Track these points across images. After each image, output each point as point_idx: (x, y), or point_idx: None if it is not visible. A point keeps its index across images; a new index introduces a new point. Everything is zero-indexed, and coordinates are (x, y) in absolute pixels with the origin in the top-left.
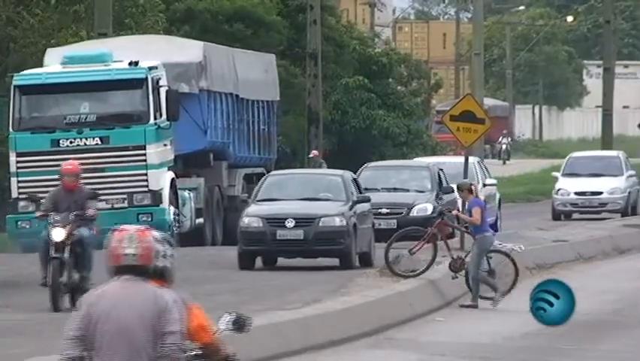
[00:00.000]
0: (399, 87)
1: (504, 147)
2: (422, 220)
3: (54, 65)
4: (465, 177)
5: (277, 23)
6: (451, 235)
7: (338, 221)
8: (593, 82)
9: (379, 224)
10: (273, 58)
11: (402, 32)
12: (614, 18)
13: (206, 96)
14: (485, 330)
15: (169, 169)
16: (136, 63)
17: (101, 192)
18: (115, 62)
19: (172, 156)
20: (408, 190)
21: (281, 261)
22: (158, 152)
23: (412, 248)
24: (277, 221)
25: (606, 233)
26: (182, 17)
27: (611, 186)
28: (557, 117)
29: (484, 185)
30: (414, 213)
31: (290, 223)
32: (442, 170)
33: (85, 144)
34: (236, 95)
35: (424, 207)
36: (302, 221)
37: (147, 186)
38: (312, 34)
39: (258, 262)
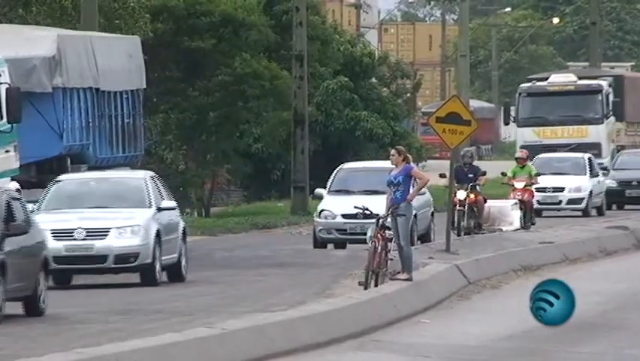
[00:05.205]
0: (383, 88)
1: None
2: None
3: None
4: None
5: (257, 23)
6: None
7: None
8: None
9: None
10: (139, 41)
11: (388, 34)
12: (600, 20)
13: (62, 94)
14: (471, 332)
15: (13, 179)
16: None
17: None
18: None
19: (16, 165)
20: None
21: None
22: None
23: (374, 269)
24: None
25: (592, 235)
26: (158, 13)
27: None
28: None
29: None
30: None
31: None
32: (161, 183)
33: None
34: (97, 89)
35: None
36: None
37: None
38: (298, 36)
39: None
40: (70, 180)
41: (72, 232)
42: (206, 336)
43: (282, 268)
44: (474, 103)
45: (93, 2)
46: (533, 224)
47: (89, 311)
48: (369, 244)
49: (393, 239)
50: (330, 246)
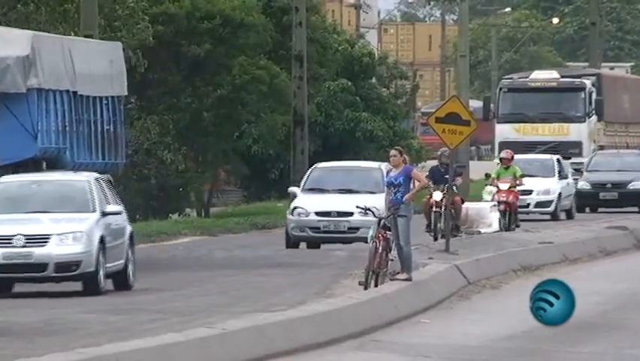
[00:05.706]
0: (383, 89)
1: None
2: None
3: None
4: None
5: (256, 25)
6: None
7: None
8: None
9: None
10: (120, 46)
11: (387, 34)
12: (600, 20)
13: (36, 95)
14: (471, 332)
15: None
16: None
17: None
18: None
19: None
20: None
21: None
22: None
23: (374, 269)
24: None
25: (592, 235)
26: (160, 20)
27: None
28: None
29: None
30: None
31: None
32: (107, 185)
33: None
34: (74, 92)
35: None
36: None
37: None
38: (298, 37)
39: None
40: (11, 182)
41: (11, 239)
42: (207, 336)
43: (282, 268)
44: (473, 103)
45: (93, 3)
46: (518, 226)
47: (89, 311)
48: (370, 244)
49: (393, 240)
50: (302, 245)
